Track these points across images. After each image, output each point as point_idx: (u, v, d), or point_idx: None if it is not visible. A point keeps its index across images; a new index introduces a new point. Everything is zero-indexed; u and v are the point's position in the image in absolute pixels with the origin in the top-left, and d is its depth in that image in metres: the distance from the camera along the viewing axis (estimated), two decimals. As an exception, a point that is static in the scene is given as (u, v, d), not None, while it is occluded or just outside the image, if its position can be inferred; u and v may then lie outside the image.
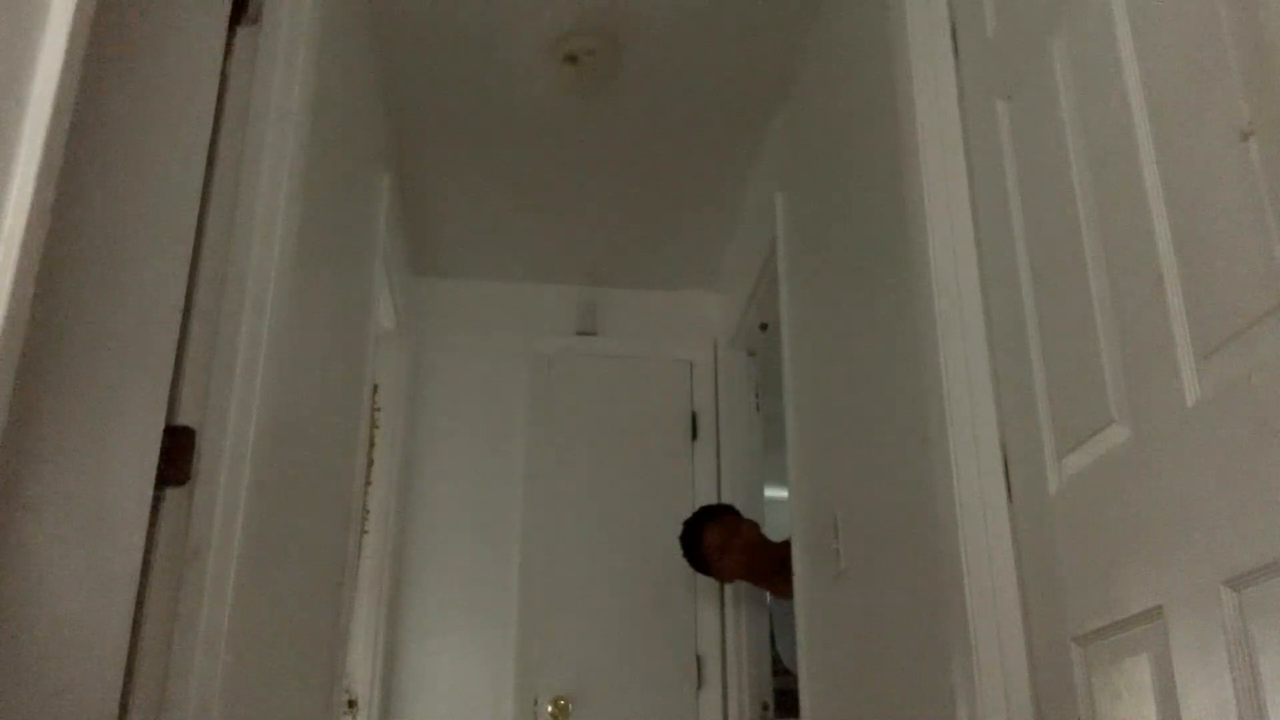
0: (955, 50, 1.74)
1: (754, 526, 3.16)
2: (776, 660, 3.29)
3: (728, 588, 3.48)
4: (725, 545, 3.07)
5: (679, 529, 3.19)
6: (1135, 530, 1.16)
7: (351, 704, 3.07)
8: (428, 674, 3.45)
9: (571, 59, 2.70)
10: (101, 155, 1.16)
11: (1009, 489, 1.50)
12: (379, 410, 3.44)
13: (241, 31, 1.66)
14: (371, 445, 3.26)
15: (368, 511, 3.26)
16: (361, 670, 3.17)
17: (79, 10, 0.82)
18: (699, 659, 3.49)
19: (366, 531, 3.26)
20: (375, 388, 3.26)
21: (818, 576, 2.40)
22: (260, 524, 1.57)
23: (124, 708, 1.27)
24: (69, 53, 0.81)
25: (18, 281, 0.75)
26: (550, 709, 3.38)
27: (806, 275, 2.63)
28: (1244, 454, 0.97)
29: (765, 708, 3.38)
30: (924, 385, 1.68)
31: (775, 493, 3.56)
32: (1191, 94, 1.08)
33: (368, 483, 3.17)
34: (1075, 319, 1.31)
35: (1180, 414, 1.08)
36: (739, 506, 3.34)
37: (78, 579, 1.13)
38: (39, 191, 0.78)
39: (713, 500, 3.54)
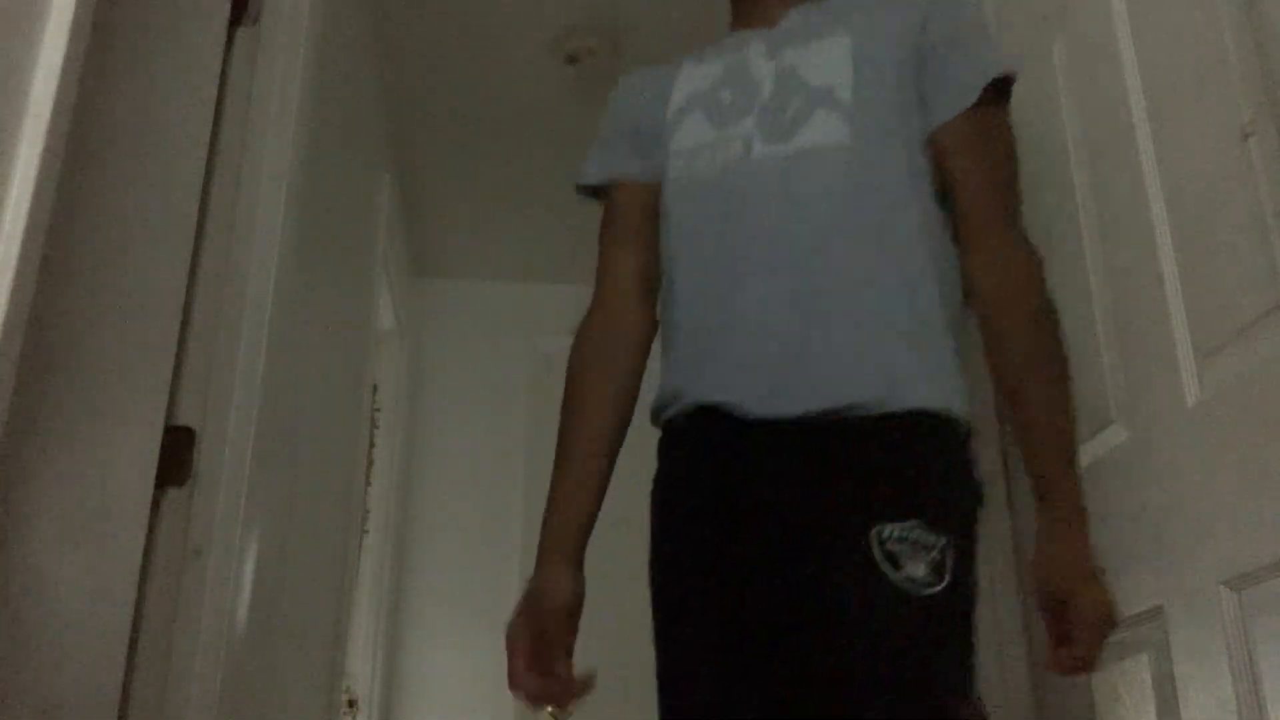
0: (955, 50, 1.73)
1: None
2: None
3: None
4: None
5: None
6: (1134, 530, 1.16)
7: (351, 704, 3.07)
8: (428, 674, 3.45)
9: (571, 59, 2.70)
10: (101, 155, 1.16)
11: (1009, 489, 1.50)
12: (379, 410, 3.44)
13: (241, 31, 1.65)
14: (371, 445, 3.26)
15: (368, 511, 3.26)
16: (361, 670, 3.17)
17: (79, 10, 0.83)
18: (699, 659, 3.49)
19: (366, 531, 3.26)
20: (375, 388, 3.26)
21: (818, 576, 2.39)
22: (260, 524, 1.57)
23: (124, 708, 1.27)
24: (69, 53, 0.81)
25: (18, 281, 0.75)
26: (550, 709, 3.37)
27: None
28: (1243, 454, 0.97)
29: (765, 708, 3.38)
30: (924, 385, 1.68)
31: (775, 493, 3.55)
32: (1191, 94, 1.08)
33: (368, 483, 3.17)
34: (1075, 319, 1.31)
35: (1180, 414, 1.08)
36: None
37: (78, 579, 1.13)
38: (39, 191, 0.78)
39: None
